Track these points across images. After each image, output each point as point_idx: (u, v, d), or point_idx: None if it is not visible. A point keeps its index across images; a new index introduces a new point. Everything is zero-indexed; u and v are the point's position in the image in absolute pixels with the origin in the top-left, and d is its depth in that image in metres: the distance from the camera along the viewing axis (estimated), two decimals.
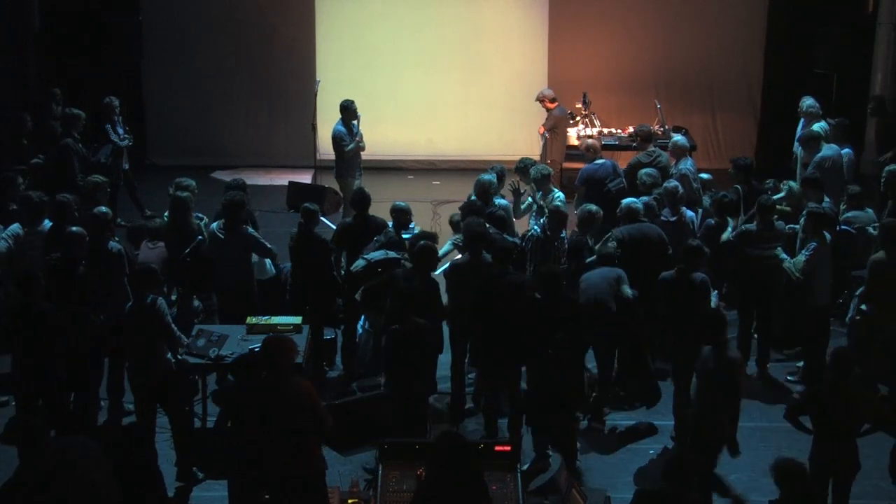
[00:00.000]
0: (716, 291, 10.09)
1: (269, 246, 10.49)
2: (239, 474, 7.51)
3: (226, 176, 14.55)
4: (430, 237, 10.24)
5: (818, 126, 13.13)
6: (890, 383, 9.96)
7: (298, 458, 7.18)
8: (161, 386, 8.62)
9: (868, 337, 10.02)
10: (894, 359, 9.93)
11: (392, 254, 10.00)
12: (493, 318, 9.02)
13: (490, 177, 11.16)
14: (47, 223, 10.25)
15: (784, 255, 10.34)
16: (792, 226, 10.77)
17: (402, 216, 10.49)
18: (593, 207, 10.59)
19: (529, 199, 11.49)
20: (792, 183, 11.77)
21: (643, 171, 11.58)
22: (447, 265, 10.08)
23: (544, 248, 10.21)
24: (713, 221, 10.73)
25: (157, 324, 8.58)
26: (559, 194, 11.47)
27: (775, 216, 10.56)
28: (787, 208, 11.25)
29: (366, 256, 10.01)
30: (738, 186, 11.55)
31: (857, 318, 10.16)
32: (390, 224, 10.49)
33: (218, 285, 10.47)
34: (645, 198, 10.91)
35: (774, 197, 11.25)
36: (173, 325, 8.79)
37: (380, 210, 10.97)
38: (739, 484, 8.86)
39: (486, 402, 9.43)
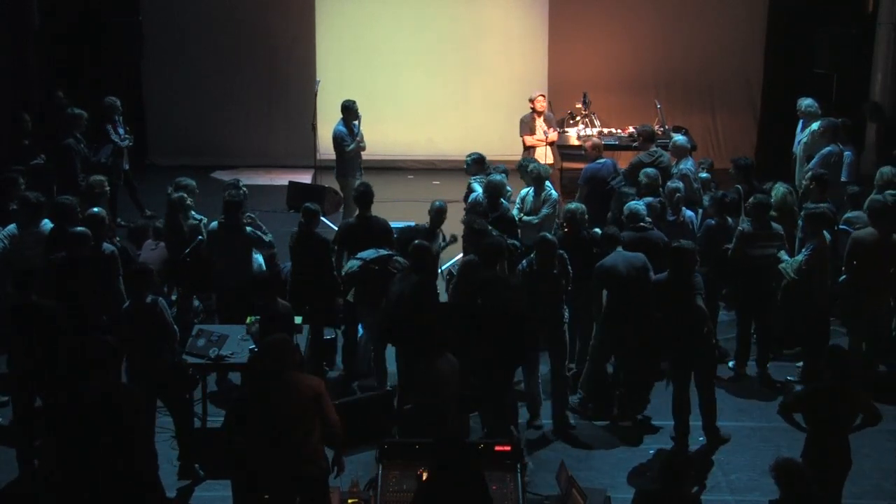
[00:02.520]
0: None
1: (267, 240, 10.55)
2: (240, 474, 7.51)
3: (226, 176, 14.55)
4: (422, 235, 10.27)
5: (815, 125, 13.13)
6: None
7: (300, 459, 7.17)
8: (162, 384, 8.62)
9: (854, 310, 10.22)
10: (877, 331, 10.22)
11: (383, 251, 10.01)
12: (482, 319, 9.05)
13: (501, 177, 11.19)
14: (45, 223, 10.25)
15: (786, 257, 10.35)
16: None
17: (438, 216, 10.60)
18: (573, 205, 10.60)
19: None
20: (779, 185, 11.73)
21: (643, 170, 11.59)
22: (453, 262, 10.11)
23: (534, 281, 9.57)
24: (713, 221, 10.72)
25: (158, 323, 8.58)
26: (554, 194, 11.47)
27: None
28: (773, 213, 11.16)
29: (359, 256, 10.02)
30: (740, 186, 11.55)
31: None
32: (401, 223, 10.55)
33: (218, 285, 10.48)
34: (649, 198, 10.86)
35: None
36: (174, 325, 8.80)
37: (380, 210, 10.96)
38: (739, 484, 8.86)
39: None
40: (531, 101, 14.06)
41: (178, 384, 8.81)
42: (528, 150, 13.81)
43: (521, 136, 13.98)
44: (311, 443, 7.18)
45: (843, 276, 10.21)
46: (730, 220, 10.76)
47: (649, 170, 11.62)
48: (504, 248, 9.77)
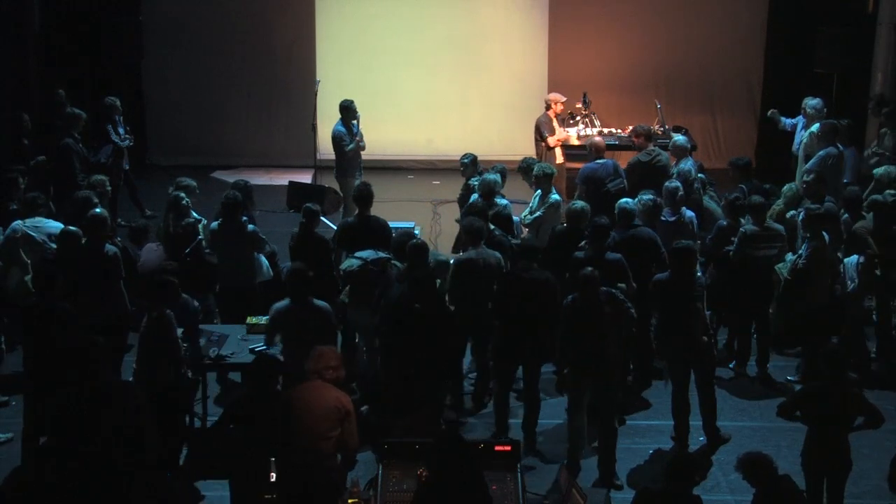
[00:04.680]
0: None
1: (267, 247, 10.57)
2: (238, 474, 7.49)
3: (226, 176, 14.57)
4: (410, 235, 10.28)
5: (815, 127, 13.15)
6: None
7: (311, 466, 7.14)
8: (161, 396, 8.50)
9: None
10: None
11: (382, 253, 10.00)
12: (515, 316, 9.04)
13: (494, 176, 11.21)
14: (46, 224, 10.27)
15: (790, 257, 10.37)
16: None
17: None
18: (579, 204, 10.61)
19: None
20: (792, 184, 11.82)
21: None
22: (452, 260, 10.09)
23: (580, 316, 8.83)
24: (725, 223, 10.71)
25: (165, 335, 8.49)
26: (555, 196, 11.47)
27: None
28: (781, 206, 11.31)
29: (358, 255, 10.00)
30: (743, 186, 11.56)
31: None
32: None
33: (221, 284, 10.50)
34: (647, 197, 10.81)
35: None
36: (179, 340, 8.73)
37: (380, 210, 10.97)
38: (739, 484, 8.84)
39: (498, 400, 9.43)
40: (555, 102, 14.12)
41: (175, 398, 8.72)
42: (552, 150, 13.91)
43: (546, 136, 14.03)
44: (325, 453, 7.17)
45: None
46: (742, 220, 10.74)
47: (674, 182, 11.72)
48: (536, 247, 9.72)
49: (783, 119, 14.06)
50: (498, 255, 9.79)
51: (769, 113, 14.23)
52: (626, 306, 8.91)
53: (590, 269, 8.84)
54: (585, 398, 8.83)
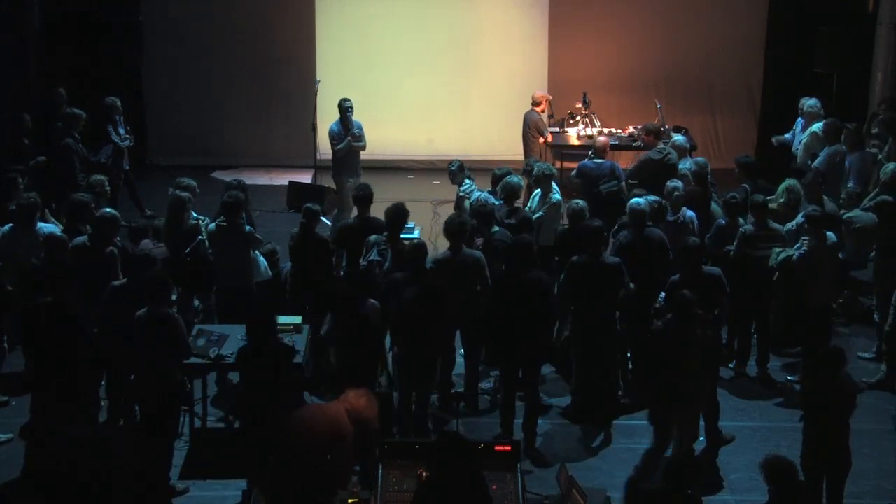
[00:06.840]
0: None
1: (264, 243, 10.60)
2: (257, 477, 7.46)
3: (226, 176, 14.52)
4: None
5: (816, 126, 13.14)
6: None
7: (309, 486, 7.05)
8: (161, 401, 8.46)
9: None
10: None
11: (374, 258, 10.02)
12: (512, 317, 9.05)
13: (518, 179, 11.19)
14: (41, 226, 10.29)
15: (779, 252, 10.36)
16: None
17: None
18: (577, 202, 10.61)
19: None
20: (787, 180, 11.82)
21: (694, 160, 11.84)
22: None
23: (672, 343, 8.41)
24: (724, 221, 10.70)
25: (171, 336, 8.43)
26: (556, 196, 11.47)
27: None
28: (775, 205, 11.31)
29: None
30: (746, 185, 11.55)
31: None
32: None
33: (218, 285, 10.50)
34: (653, 197, 10.80)
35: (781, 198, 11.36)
36: (188, 341, 8.68)
37: (380, 211, 10.96)
38: (739, 484, 8.86)
39: (505, 402, 9.42)
40: (545, 99, 14.17)
41: (178, 404, 8.68)
42: (549, 147, 14.02)
43: (545, 135, 14.08)
44: (318, 473, 7.05)
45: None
46: (741, 220, 10.73)
47: (699, 159, 11.80)
48: (531, 245, 9.72)
49: (784, 136, 13.95)
50: (479, 254, 9.77)
51: (773, 141, 14.07)
52: (716, 330, 8.48)
53: (686, 291, 8.40)
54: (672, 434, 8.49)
